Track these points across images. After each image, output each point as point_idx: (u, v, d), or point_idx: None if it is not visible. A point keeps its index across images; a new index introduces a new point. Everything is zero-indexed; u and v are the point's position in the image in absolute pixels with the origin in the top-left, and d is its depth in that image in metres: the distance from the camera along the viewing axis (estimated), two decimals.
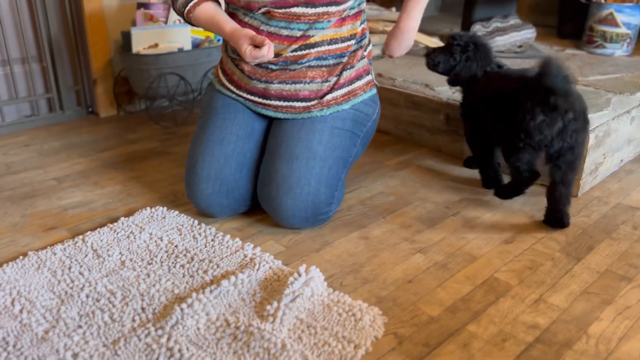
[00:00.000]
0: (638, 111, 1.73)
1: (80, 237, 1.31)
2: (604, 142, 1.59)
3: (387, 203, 1.51)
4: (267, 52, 1.24)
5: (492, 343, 1.00)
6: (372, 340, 0.99)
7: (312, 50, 1.32)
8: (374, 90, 1.48)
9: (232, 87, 1.43)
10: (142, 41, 2.01)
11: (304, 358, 0.94)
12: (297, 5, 1.27)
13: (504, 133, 1.36)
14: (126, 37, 2.05)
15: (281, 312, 1.03)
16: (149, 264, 1.21)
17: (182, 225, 1.37)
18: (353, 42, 1.38)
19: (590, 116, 1.55)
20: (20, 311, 1.05)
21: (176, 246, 1.28)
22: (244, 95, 1.41)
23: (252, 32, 1.26)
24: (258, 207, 1.42)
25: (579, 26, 2.64)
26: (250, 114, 1.43)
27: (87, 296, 1.10)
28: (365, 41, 1.45)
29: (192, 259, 1.23)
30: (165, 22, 2.14)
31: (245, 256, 1.24)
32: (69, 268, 1.19)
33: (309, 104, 1.37)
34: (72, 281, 1.15)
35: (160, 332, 0.99)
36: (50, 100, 2.18)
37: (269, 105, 1.39)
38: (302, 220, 1.33)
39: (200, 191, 1.35)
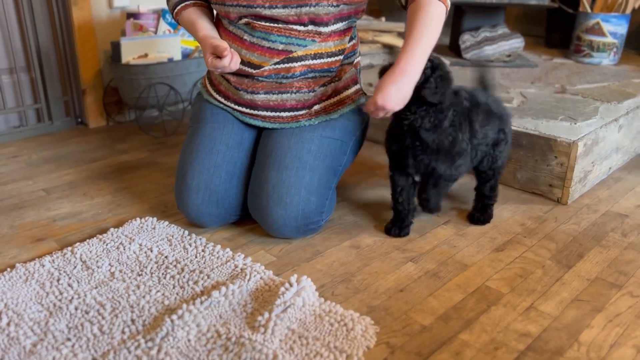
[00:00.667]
0: (625, 119, 1.75)
1: (69, 248, 1.29)
2: (593, 150, 1.60)
3: (378, 212, 1.51)
4: (229, 63, 1.23)
5: (484, 351, 1.00)
6: (364, 350, 0.99)
7: (296, 65, 1.31)
8: (363, 99, 1.48)
9: (219, 98, 1.43)
10: (131, 51, 2.01)
11: None
12: (277, 21, 1.26)
13: None
14: (116, 47, 2.04)
15: (272, 323, 1.02)
16: (139, 275, 1.20)
17: (172, 236, 1.36)
18: (341, 57, 1.37)
19: (578, 124, 1.56)
20: (8, 324, 1.04)
21: (166, 257, 1.27)
22: (232, 105, 1.41)
23: (217, 42, 1.24)
24: (248, 216, 1.41)
25: (566, 36, 2.67)
26: (240, 124, 1.42)
27: (76, 308, 1.09)
28: (355, 58, 1.45)
29: (183, 269, 1.22)
30: (155, 32, 2.14)
31: (236, 266, 1.23)
32: (58, 280, 1.18)
33: (296, 113, 1.37)
34: (61, 293, 1.13)
35: (150, 344, 0.98)
36: (39, 111, 2.17)
37: (257, 116, 1.39)
38: (293, 230, 1.33)
39: (190, 201, 1.35)
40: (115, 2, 2.16)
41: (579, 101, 1.83)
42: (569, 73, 2.25)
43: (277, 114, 1.37)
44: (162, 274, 1.20)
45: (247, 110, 1.39)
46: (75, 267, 1.22)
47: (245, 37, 1.30)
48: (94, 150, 1.99)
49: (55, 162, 1.87)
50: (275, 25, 1.27)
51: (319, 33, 1.29)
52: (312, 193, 1.32)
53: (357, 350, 0.98)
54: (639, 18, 2.76)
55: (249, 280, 1.16)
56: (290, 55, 1.30)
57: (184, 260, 1.26)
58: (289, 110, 1.37)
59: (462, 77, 2.09)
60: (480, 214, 1.45)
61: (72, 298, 1.12)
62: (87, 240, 1.34)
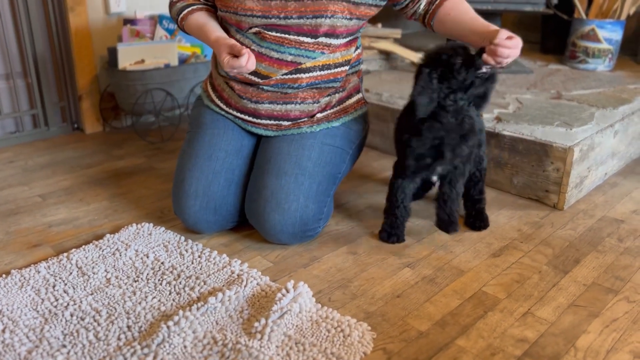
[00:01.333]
0: (621, 125, 1.76)
1: (65, 254, 1.29)
2: (589, 156, 1.60)
3: (375, 218, 1.51)
4: (246, 62, 1.21)
5: (481, 357, 0.99)
6: (361, 356, 0.99)
7: (304, 76, 1.31)
8: (365, 108, 1.48)
9: (221, 104, 1.43)
10: (128, 57, 2.01)
11: None
12: (289, 32, 1.26)
13: None
14: (112, 53, 2.04)
15: (269, 329, 1.02)
16: (135, 281, 1.20)
17: (169, 242, 1.35)
18: (347, 67, 1.37)
19: (574, 130, 1.57)
20: (3, 331, 1.03)
21: (162, 263, 1.26)
22: (234, 113, 1.41)
23: (232, 41, 1.23)
24: (245, 222, 1.41)
25: (561, 42, 2.68)
26: (240, 130, 1.42)
27: (72, 315, 1.08)
28: (360, 66, 1.45)
29: (179, 275, 1.22)
30: (152, 38, 2.14)
31: (233, 272, 1.23)
32: (53, 286, 1.17)
33: (299, 121, 1.37)
34: (56, 299, 1.13)
35: (146, 350, 0.98)
36: (35, 117, 2.16)
37: (259, 124, 1.39)
38: (290, 236, 1.32)
39: (187, 207, 1.34)
40: (112, 8, 2.16)
41: (575, 107, 1.84)
42: (564, 79, 2.26)
43: (280, 122, 1.37)
44: (159, 280, 1.20)
45: (250, 119, 1.39)
46: (71, 273, 1.22)
47: (253, 47, 1.29)
48: (90, 155, 1.99)
49: (51, 168, 1.87)
50: (287, 36, 1.27)
51: (329, 45, 1.30)
52: (310, 200, 1.31)
53: (354, 357, 0.98)
54: (634, 24, 2.77)
55: (245, 286, 1.16)
56: (299, 67, 1.30)
57: (180, 266, 1.25)
58: (293, 120, 1.37)
59: None
60: (478, 220, 1.45)
61: (68, 304, 1.11)
62: (83, 246, 1.33)
